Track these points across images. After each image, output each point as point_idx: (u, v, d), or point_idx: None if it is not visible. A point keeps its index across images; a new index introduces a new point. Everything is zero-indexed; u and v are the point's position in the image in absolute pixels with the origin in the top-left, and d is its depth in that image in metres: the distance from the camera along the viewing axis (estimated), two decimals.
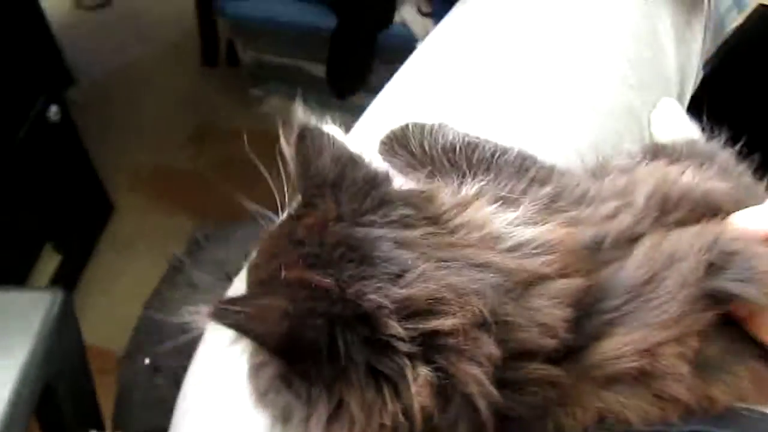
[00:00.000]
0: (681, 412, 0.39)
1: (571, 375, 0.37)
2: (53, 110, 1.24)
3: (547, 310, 0.37)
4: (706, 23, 0.77)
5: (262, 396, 0.39)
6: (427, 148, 0.57)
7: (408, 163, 0.59)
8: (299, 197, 0.43)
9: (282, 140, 0.44)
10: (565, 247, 0.40)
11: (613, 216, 0.44)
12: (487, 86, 0.63)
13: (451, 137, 0.56)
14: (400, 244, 0.37)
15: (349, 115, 0.66)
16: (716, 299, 0.40)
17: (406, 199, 0.41)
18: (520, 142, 0.56)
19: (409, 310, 0.35)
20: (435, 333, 0.35)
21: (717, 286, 0.40)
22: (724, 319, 0.41)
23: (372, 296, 0.35)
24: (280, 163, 0.44)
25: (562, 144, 0.61)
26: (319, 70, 1.58)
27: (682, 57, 0.72)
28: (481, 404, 0.35)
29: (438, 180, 0.53)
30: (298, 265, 0.37)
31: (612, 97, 0.64)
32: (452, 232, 0.40)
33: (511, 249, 0.40)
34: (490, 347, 0.35)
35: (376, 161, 0.52)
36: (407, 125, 0.59)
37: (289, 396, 0.37)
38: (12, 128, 1.17)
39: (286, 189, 0.49)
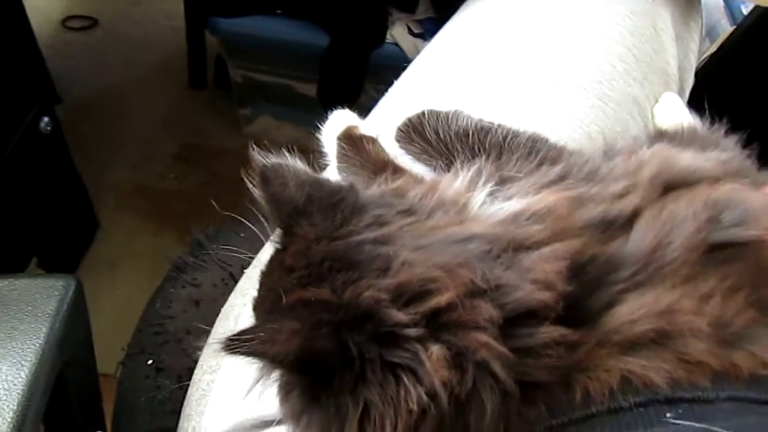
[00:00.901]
0: (710, 376, 0.39)
1: (590, 341, 0.38)
2: (45, 121, 1.23)
3: (539, 267, 0.38)
4: (701, 27, 0.80)
5: (298, 417, 0.39)
6: (441, 134, 0.59)
7: (424, 150, 0.61)
8: (278, 231, 0.45)
9: (249, 186, 0.46)
10: (557, 215, 0.42)
11: (622, 195, 0.45)
12: (502, 74, 0.66)
13: (464, 123, 0.58)
14: (380, 242, 0.39)
15: None
16: (722, 250, 0.41)
17: (377, 201, 0.43)
18: (534, 127, 0.57)
19: (406, 296, 0.36)
20: (435, 311, 0.36)
21: (718, 237, 0.41)
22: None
23: (366, 293, 0.36)
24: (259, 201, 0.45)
25: (573, 129, 0.63)
26: (308, 89, 1.60)
27: (680, 55, 0.75)
28: (496, 366, 0.36)
29: (452, 165, 0.55)
30: (294, 288, 0.39)
31: (619, 88, 0.66)
32: (429, 216, 0.42)
33: (503, 221, 0.41)
34: (489, 311, 0.36)
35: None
36: (423, 112, 0.61)
37: (320, 412, 0.38)
38: (3, 138, 1.15)
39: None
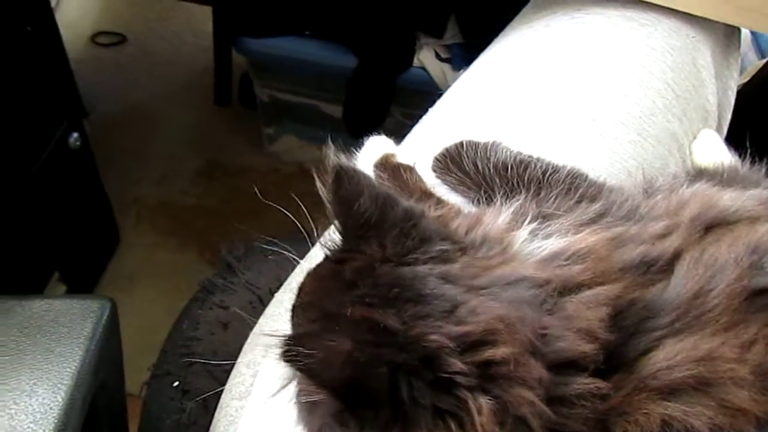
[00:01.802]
0: (753, 423, 0.38)
1: (627, 386, 0.38)
2: (74, 137, 1.25)
3: (582, 314, 0.38)
4: (739, 64, 0.80)
5: None
6: (480, 166, 0.58)
7: (461, 182, 0.60)
8: (337, 238, 0.44)
9: (318, 182, 0.45)
10: (597, 256, 0.42)
11: (663, 236, 0.45)
12: (541, 106, 0.65)
13: (503, 156, 0.58)
14: (445, 279, 0.39)
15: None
16: (765, 295, 0.41)
17: (441, 233, 0.42)
18: (572, 161, 0.57)
19: (466, 345, 0.36)
20: (488, 363, 0.36)
21: (760, 282, 0.41)
22: None
23: (434, 337, 0.36)
24: (325, 202, 0.45)
25: (612, 163, 0.63)
26: (334, 110, 1.60)
27: (719, 91, 0.75)
28: (535, 424, 0.36)
29: (491, 198, 0.54)
30: (356, 306, 0.38)
31: (658, 124, 0.66)
32: (477, 251, 0.42)
33: (544, 260, 0.41)
34: (539, 371, 0.36)
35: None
36: (461, 143, 0.60)
37: None
38: (34, 153, 1.16)
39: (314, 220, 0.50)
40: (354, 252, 0.41)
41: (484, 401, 0.35)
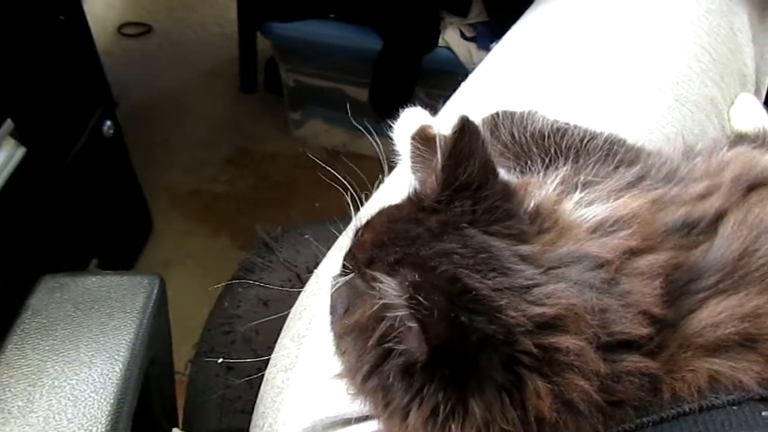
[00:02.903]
0: None
1: (673, 345, 0.38)
2: (107, 125, 1.27)
3: (637, 290, 0.38)
4: None
5: (385, 384, 0.39)
6: (516, 136, 0.58)
7: (499, 153, 0.60)
8: (428, 187, 0.44)
9: (437, 129, 0.44)
10: (642, 220, 0.42)
11: (703, 196, 0.45)
12: (577, 74, 0.65)
13: (540, 124, 0.58)
14: (521, 258, 0.39)
15: (387, 139, 0.67)
16: None
17: (523, 212, 0.43)
18: (610, 128, 0.57)
19: (536, 326, 0.37)
20: (553, 348, 0.36)
21: None
22: None
23: (513, 313, 0.36)
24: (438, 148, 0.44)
25: (651, 130, 0.62)
26: (360, 93, 1.61)
27: (757, 56, 0.74)
28: (584, 408, 0.36)
29: (528, 167, 0.55)
30: (450, 262, 0.38)
31: (696, 90, 0.66)
32: (531, 223, 0.42)
33: (593, 230, 0.41)
34: (599, 364, 0.36)
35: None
36: (497, 113, 0.60)
37: (410, 389, 0.37)
38: (71, 141, 1.19)
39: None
40: (445, 205, 0.42)
41: (543, 385, 0.36)
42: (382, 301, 0.37)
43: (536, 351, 0.36)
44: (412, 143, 0.63)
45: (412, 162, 0.63)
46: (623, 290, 0.39)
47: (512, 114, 0.59)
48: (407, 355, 0.37)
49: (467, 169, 0.42)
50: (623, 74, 0.65)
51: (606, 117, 0.62)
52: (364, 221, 0.46)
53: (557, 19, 0.73)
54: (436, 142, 0.61)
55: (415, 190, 0.45)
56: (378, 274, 0.38)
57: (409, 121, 0.65)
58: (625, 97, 0.64)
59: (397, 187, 0.64)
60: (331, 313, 0.46)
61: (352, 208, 0.52)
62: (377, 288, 0.37)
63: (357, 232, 0.46)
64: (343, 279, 0.44)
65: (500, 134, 0.60)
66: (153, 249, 1.65)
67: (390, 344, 0.38)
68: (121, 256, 1.52)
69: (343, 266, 0.45)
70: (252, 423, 0.67)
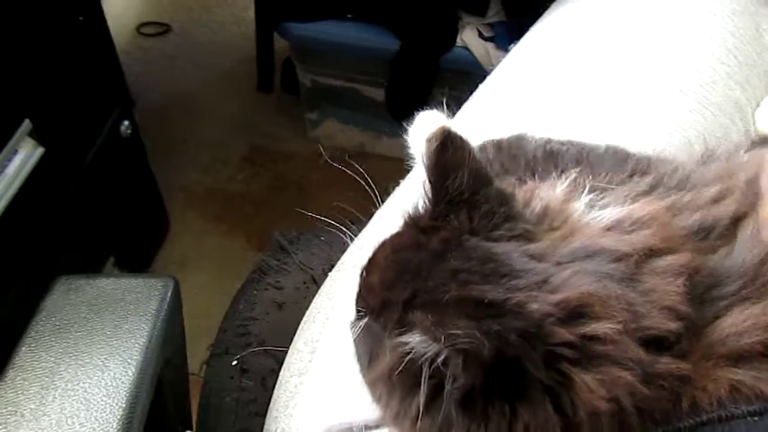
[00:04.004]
0: None
1: (696, 354, 0.37)
2: (125, 125, 1.27)
3: (661, 288, 0.38)
4: None
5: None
6: (506, 166, 0.56)
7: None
8: (420, 207, 0.44)
9: (423, 144, 0.44)
10: (661, 222, 0.41)
11: (716, 200, 0.44)
12: (598, 79, 0.64)
13: (531, 147, 0.55)
14: (531, 257, 0.39)
15: (403, 140, 0.67)
16: None
17: (524, 212, 0.42)
18: (631, 132, 0.56)
19: (565, 314, 0.36)
20: (591, 338, 0.35)
21: None
22: None
23: (534, 306, 0.35)
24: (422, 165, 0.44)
25: (672, 134, 0.61)
26: (376, 94, 1.60)
27: None
28: (628, 403, 0.35)
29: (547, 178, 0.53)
30: (456, 280, 0.38)
31: (719, 92, 0.64)
32: (540, 223, 0.41)
33: (608, 228, 0.41)
34: (636, 350, 0.36)
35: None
36: (483, 145, 0.58)
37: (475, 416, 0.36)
38: (88, 141, 1.19)
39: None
40: (442, 221, 0.41)
41: (590, 378, 0.35)
42: (413, 352, 0.36)
43: (574, 340, 0.35)
44: (427, 146, 0.62)
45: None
46: (646, 288, 0.38)
47: (499, 143, 0.57)
48: (462, 387, 0.36)
49: (456, 181, 0.41)
50: (645, 78, 0.64)
51: (627, 122, 0.61)
52: (368, 259, 0.45)
53: (578, 21, 0.72)
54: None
55: (409, 214, 0.44)
56: (397, 331, 0.37)
57: (425, 123, 0.64)
58: (647, 101, 0.63)
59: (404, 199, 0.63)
60: (357, 361, 0.46)
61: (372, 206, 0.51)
62: (405, 342, 0.36)
63: (362, 271, 0.45)
64: (359, 324, 0.43)
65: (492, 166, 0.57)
66: (170, 248, 1.65)
67: (434, 380, 0.36)
68: (138, 256, 1.53)
69: (357, 311, 0.44)
70: (264, 427, 0.67)
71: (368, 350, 0.43)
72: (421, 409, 0.37)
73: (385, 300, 0.41)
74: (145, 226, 1.55)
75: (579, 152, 0.53)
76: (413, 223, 0.43)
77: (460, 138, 0.42)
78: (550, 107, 0.60)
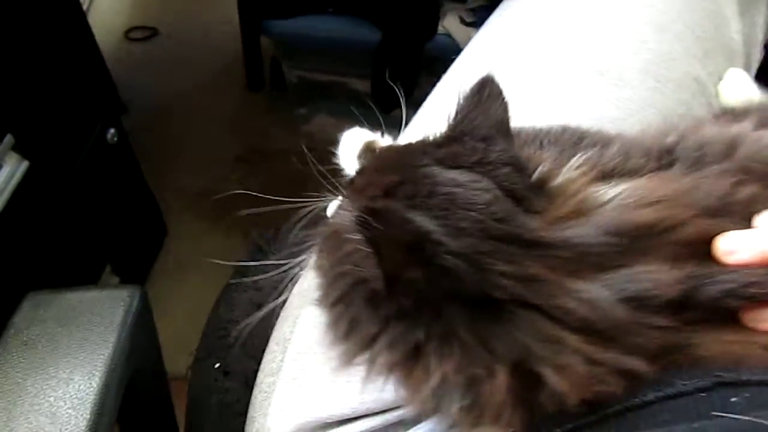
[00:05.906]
0: None
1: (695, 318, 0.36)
2: (111, 132, 1.28)
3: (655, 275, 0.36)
4: None
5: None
6: None
7: None
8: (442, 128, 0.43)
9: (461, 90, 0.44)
10: (672, 199, 0.39)
11: (718, 177, 0.42)
12: (551, 61, 0.64)
13: None
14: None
15: (395, 129, 0.67)
16: None
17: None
18: (586, 113, 0.55)
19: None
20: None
21: None
22: None
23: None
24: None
25: (631, 113, 0.60)
26: (363, 85, 1.60)
27: (746, 29, 0.71)
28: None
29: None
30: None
31: (678, 68, 0.64)
32: (550, 200, 0.40)
33: (620, 207, 0.39)
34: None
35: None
36: None
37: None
38: (74, 151, 1.20)
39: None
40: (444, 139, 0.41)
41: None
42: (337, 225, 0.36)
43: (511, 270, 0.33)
44: (360, 162, 0.62)
45: None
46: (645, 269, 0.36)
47: None
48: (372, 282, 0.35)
49: (477, 119, 0.41)
50: (600, 59, 0.63)
51: (581, 103, 0.61)
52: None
53: (534, 5, 0.71)
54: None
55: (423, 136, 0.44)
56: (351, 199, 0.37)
57: (351, 141, 0.63)
58: (601, 81, 0.62)
59: None
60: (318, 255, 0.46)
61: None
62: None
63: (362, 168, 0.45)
64: (335, 203, 0.43)
65: None
66: (168, 251, 1.67)
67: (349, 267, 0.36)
68: (135, 261, 1.54)
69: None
70: (245, 428, 0.67)
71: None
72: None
73: (370, 182, 0.41)
74: (141, 232, 1.56)
75: (536, 135, 0.52)
76: (425, 138, 0.43)
77: (498, 89, 0.42)
78: (509, 91, 0.60)
